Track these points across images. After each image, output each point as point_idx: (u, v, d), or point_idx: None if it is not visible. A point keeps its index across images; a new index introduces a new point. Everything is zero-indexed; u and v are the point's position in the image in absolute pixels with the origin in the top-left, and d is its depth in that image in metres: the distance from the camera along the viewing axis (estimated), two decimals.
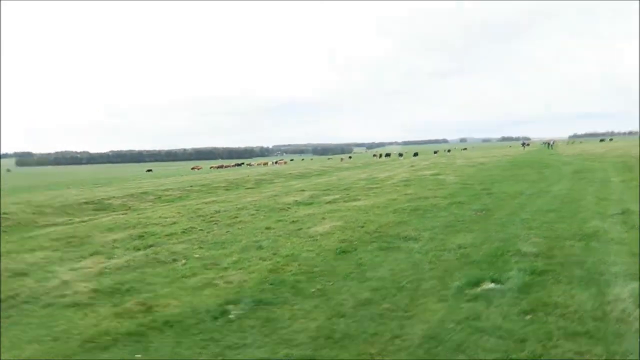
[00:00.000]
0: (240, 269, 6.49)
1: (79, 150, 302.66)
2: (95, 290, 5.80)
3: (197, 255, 7.62)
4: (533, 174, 20.09)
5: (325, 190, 18.16)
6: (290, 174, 36.58)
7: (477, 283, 5.18)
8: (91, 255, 8.30)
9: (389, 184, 18.87)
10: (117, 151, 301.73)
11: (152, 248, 8.54)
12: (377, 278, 5.68)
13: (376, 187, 17.74)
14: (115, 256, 8.01)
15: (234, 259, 7.19)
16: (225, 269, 6.59)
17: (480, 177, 19.95)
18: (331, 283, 5.61)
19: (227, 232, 9.84)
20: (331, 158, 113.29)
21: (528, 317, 4.17)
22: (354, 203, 13.13)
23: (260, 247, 7.88)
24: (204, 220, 11.88)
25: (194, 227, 10.72)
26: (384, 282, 5.48)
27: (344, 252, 7.17)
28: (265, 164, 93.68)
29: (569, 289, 4.82)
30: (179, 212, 14.19)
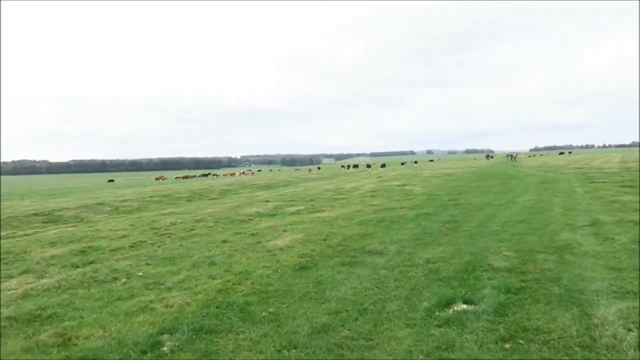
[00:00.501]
0: (185, 289, 5.75)
1: (37, 159, 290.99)
2: (10, 318, 4.96)
3: (140, 273, 6.83)
4: (499, 185, 20.00)
5: (290, 201, 17.52)
6: (256, 184, 35.77)
7: (448, 304, 4.63)
8: (21, 273, 7.39)
9: (355, 195, 18.39)
10: (79, 160, 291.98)
11: (91, 265, 7.69)
12: (338, 298, 5.06)
13: (342, 198, 17.22)
14: (47, 275, 7.12)
15: (181, 277, 6.44)
16: (169, 289, 5.84)
17: (447, 188, 19.71)
18: (285, 305, 4.95)
19: (180, 246, 9.07)
20: (299, 169, 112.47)
21: (507, 345, 3.63)
22: (319, 214, 12.53)
23: (212, 263, 7.16)
24: (156, 233, 11.03)
25: (144, 241, 9.88)
26: (345, 304, 4.86)
27: (303, 268, 6.52)
28: (233, 174, 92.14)
29: (548, 309, 4.32)
30: (132, 225, 13.26)
